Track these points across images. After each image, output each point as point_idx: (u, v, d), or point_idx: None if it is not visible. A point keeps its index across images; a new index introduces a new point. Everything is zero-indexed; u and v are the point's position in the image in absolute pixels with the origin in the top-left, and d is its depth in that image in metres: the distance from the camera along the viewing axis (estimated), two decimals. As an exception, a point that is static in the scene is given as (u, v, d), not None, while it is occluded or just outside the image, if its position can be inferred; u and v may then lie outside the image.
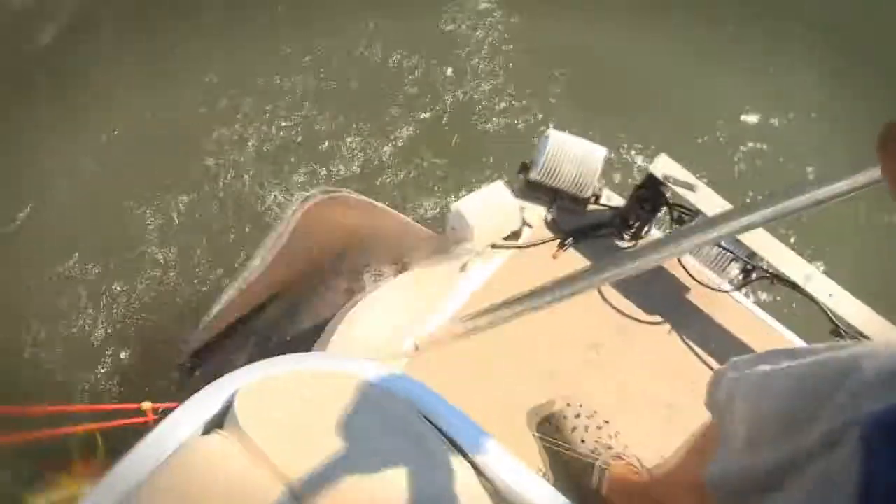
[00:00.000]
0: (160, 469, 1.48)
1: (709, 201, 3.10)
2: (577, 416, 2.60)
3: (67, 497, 2.68)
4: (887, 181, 1.22)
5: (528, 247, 3.28)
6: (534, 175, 3.30)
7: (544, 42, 5.71)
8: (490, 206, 3.15)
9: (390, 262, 3.22)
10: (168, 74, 5.39)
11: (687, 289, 3.19)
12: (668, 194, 3.16)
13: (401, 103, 5.42)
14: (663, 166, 3.09)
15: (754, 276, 3.08)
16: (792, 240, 4.82)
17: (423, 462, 1.60)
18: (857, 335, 2.86)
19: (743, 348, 3.07)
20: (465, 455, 1.73)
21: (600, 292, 3.12)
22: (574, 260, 3.30)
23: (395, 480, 1.54)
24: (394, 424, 1.69)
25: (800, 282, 2.96)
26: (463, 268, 3.10)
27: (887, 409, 1.15)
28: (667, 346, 3.05)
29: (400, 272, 3.18)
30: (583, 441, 2.52)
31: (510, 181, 3.30)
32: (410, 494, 1.51)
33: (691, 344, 3.04)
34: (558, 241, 3.32)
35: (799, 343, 3.11)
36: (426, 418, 1.76)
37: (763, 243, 3.03)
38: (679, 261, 3.17)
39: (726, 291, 3.18)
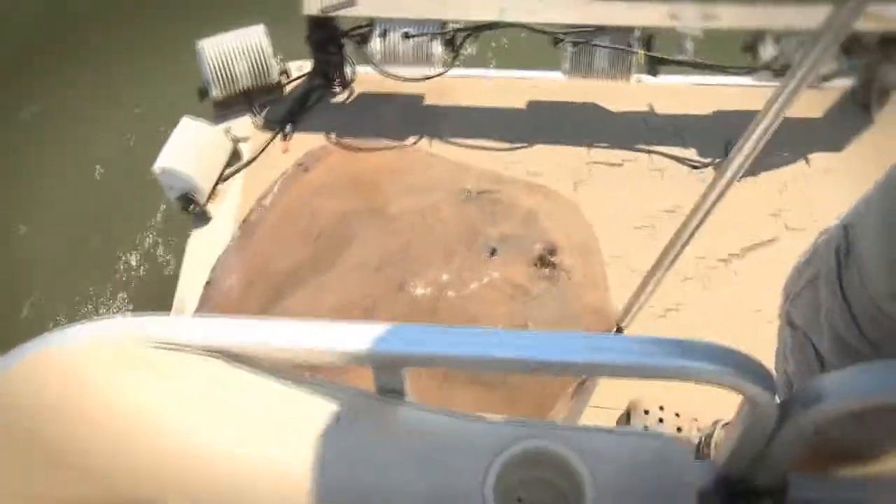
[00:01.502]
0: None
1: (374, 3, 3.03)
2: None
3: None
4: None
5: (254, 160, 3.14)
6: (215, 93, 3.14)
7: None
8: (194, 147, 2.97)
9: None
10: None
11: None
12: (337, 25, 3.07)
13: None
14: (312, 2, 2.99)
15: (459, 40, 3.04)
16: None
17: None
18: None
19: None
20: None
21: None
22: (304, 141, 3.19)
23: None
24: None
25: (495, 17, 2.94)
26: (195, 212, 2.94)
27: None
28: None
29: None
30: None
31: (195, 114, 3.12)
32: None
33: None
34: (279, 134, 3.18)
35: None
36: None
37: (436, 6, 3.00)
38: None
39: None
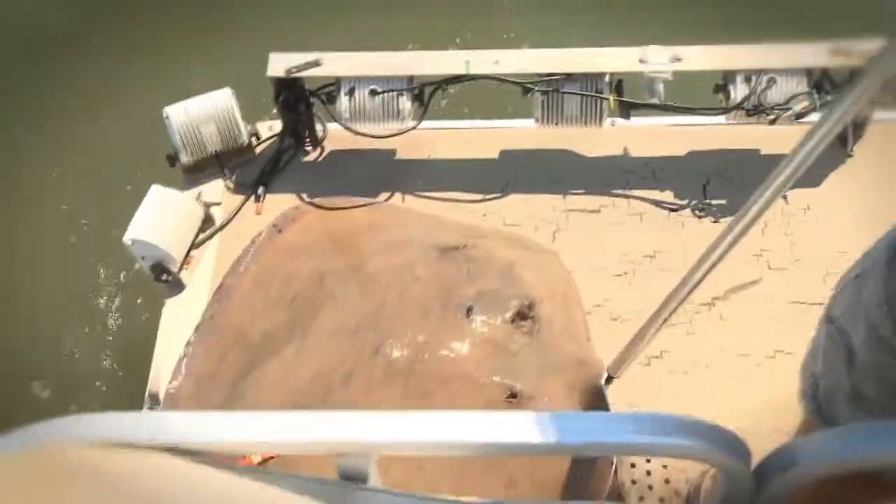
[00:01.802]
0: None
1: (342, 62, 3.03)
2: None
3: None
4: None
5: (227, 224, 3.11)
6: (185, 158, 3.12)
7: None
8: (165, 215, 2.95)
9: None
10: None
11: None
12: (304, 85, 3.07)
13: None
14: (277, 64, 2.98)
15: (427, 94, 3.04)
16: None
17: None
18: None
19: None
20: None
21: None
22: (277, 202, 3.17)
23: None
24: None
25: (461, 70, 2.95)
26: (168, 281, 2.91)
27: None
28: None
29: None
30: None
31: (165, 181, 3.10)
32: None
33: None
34: (252, 196, 3.16)
35: None
36: None
37: (401, 63, 3.00)
38: None
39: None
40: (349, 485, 1.12)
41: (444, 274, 2.66)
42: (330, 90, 3.05)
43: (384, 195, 3.16)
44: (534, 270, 2.72)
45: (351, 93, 2.98)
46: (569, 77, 2.93)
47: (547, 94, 2.94)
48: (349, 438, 1.07)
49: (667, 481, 2.37)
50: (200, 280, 3.02)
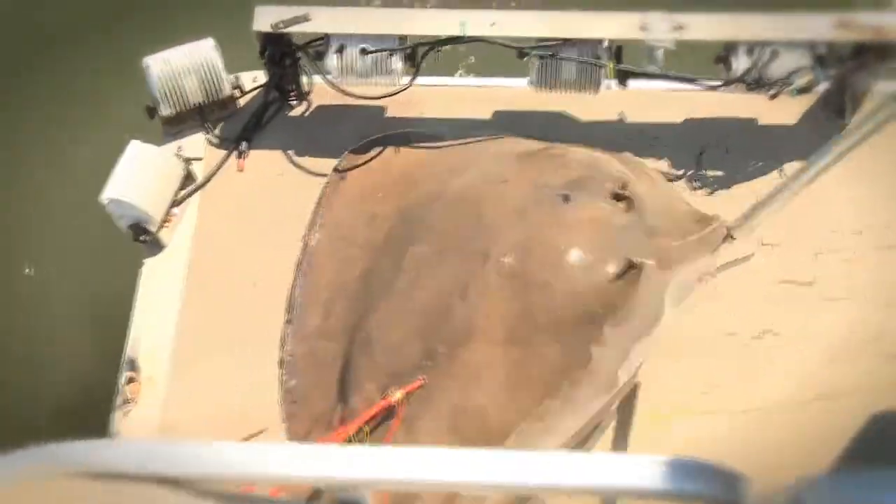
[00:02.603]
0: None
1: (332, 19, 2.94)
2: None
3: None
4: None
5: (208, 180, 3.06)
6: (165, 110, 3.04)
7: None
8: (144, 173, 2.89)
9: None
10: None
11: None
12: (291, 40, 2.98)
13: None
14: (264, 18, 2.89)
15: (419, 55, 2.97)
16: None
17: None
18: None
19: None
20: None
21: None
22: (261, 158, 3.11)
23: None
24: None
25: (456, 32, 2.87)
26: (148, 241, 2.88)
27: None
28: None
29: None
30: None
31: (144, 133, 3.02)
32: None
33: None
34: (234, 152, 3.10)
35: None
36: None
37: (394, 22, 2.92)
38: None
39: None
40: None
41: (530, 174, 2.70)
42: (318, 46, 2.96)
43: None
44: (616, 163, 2.77)
45: (341, 50, 2.91)
46: (566, 42, 2.86)
47: (544, 58, 2.88)
48: (343, 478, 1.08)
49: None
50: (181, 239, 2.99)
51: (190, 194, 3.03)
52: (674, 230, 2.61)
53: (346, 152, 3.07)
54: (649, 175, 2.87)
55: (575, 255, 2.47)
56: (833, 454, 2.46)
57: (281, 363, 2.72)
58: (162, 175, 2.94)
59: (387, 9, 2.93)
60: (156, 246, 2.95)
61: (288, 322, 2.78)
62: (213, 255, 2.94)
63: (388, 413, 2.43)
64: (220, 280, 2.91)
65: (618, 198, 2.58)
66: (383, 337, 2.55)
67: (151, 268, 2.94)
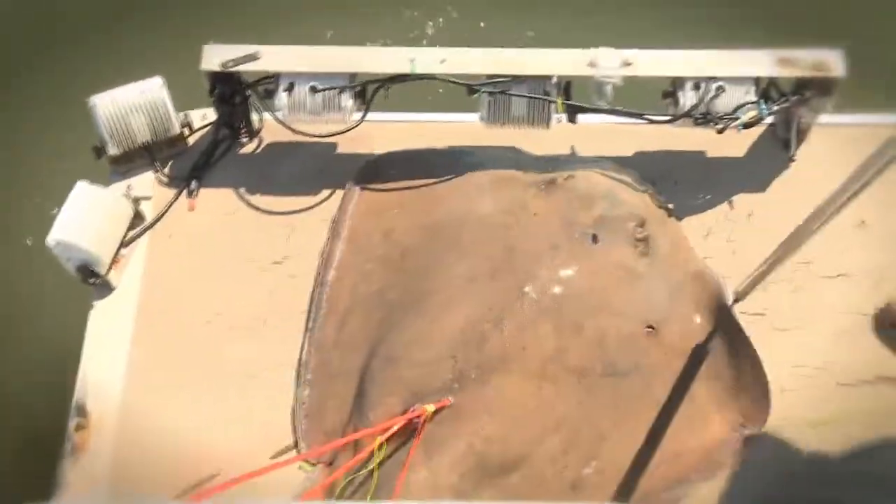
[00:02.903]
0: None
1: (282, 57, 2.94)
2: None
3: None
4: None
5: (158, 220, 3.03)
6: (112, 150, 3.02)
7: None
8: (91, 214, 2.85)
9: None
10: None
11: None
12: (241, 78, 2.97)
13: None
14: (212, 57, 2.88)
15: (370, 92, 2.98)
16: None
17: None
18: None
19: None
20: None
21: None
22: (212, 196, 3.10)
23: None
24: None
25: (406, 69, 2.89)
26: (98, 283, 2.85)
27: None
28: None
29: None
30: None
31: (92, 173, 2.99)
32: None
33: None
34: (184, 191, 3.09)
35: None
36: None
37: (344, 60, 2.93)
38: None
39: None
40: None
41: (558, 207, 2.79)
42: (268, 84, 2.96)
43: (326, 191, 3.10)
44: (628, 192, 2.88)
45: (290, 88, 2.91)
46: (516, 79, 2.89)
47: (494, 95, 2.91)
48: None
49: None
50: (130, 280, 2.96)
51: (139, 234, 3.00)
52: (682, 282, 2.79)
53: (365, 163, 3.13)
54: (653, 204, 2.98)
55: (604, 306, 2.63)
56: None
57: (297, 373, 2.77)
58: (110, 216, 2.91)
59: (336, 47, 2.93)
60: (105, 287, 2.91)
61: (309, 331, 2.81)
62: (164, 296, 2.92)
63: (407, 431, 2.47)
64: (170, 320, 2.89)
65: (638, 238, 2.75)
66: (410, 354, 2.59)
67: (100, 310, 2.90)
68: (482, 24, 4.92)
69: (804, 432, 2.69)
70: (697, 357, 2.67)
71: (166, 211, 3.05)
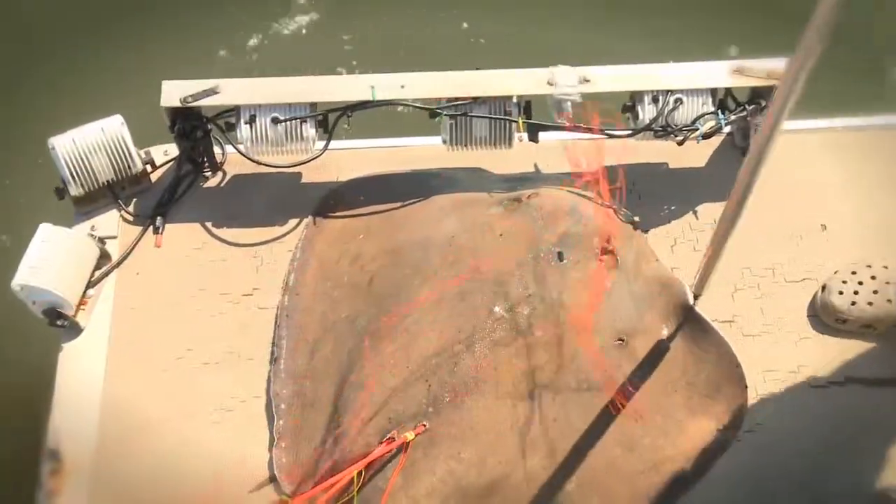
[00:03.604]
0: None
1: (242, 90, 2.97)
2: None
3: None
4: None
5: (124, 258, 3.04)
6: (74, 190, 3.02)
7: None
8: (55, 256, 2.85)
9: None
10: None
11: None
12: (202, 112, 2.99)
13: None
14: (171, 93, 2.90)
15: (332, 121, 3.01)
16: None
17: None
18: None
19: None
20: None
21: None
22: (178, 232, 3.11)
23: None
24: None
25: (367, 96, 2.93)
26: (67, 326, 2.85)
27: None
28: None
29: None
30: None
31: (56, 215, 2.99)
32: None
33: None
34: (150, 228, 3.09)
35: None
36: None
37: (304, 90, 2.96)
38: None
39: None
40: None
41: (523, 225, 2.79)
42: (229, 117, 2.99)
43: (293, 221, 3.12)
44: (592, 207, 2.89)
45: (252, 121, 2.93)
46: (476, 100, 2.94)
47: (455, 117, 2.95)
48: None
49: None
50: (99, 320, 2.95)
51: (106, 274, 3.00)
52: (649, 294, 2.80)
53: (328, 191, 3.16)
54: (618, 219, 2.99)
55: (574, 323, 2.63)
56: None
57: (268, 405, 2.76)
58: (75, 256, 2.91)
59: (296, 77, 2.96)
60: (73, 329, 2.91)
61: (274, 361, 2.81)
62: (134, 334, 2.92)
63: (385, 457, 2.48)
64: (142, 359, 2.89)
65: (603, 251, 2.75)
66: (383, 380, 2.60)
67: (70, 352, 2.90)
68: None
69: (780, 436, 2.73)
70: (670, 365, 2.71)
71: (132, 249, 3.05)
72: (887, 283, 2.82)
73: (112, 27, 4.67)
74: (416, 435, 2.48)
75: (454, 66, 3.05)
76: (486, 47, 4.85)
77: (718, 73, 2.97)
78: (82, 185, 3.02)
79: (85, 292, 2.94)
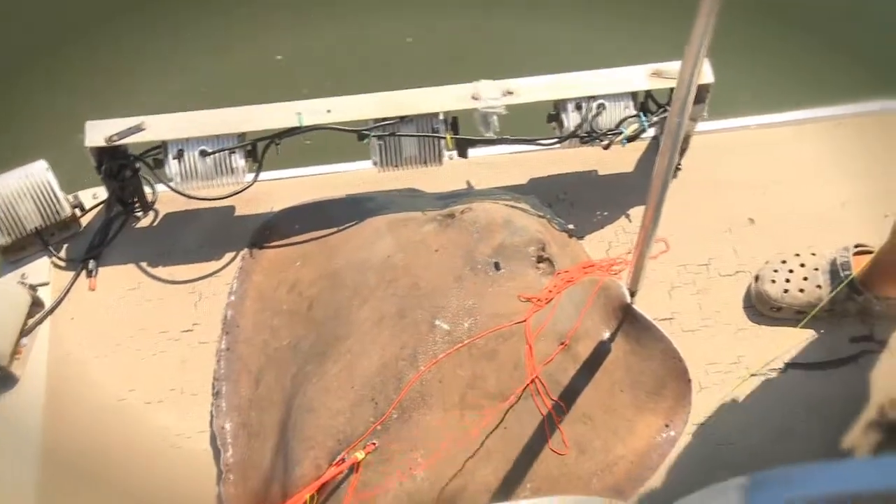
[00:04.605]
0: None
1: (168, 125, 2.97)
2: None
3: None
4: None
5: (58, 304, 3.01)
6: (1, 239, 3.02)
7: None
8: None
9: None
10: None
11: None
12: (128, 151, 2.99)
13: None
14: (96, 133, 2.89)
15: (261, 150, 3.03)
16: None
17: None
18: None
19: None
20: None
21: None
22: (112, 274, 3.09)
23: None
24: None
25: (294, 123, 2.96)
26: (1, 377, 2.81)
27: None
28: None
29: None
30: None
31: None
32: None
33: None
34: (83, 272, 3.07)
35: None
36: None
37: (230, 121, 2.98)
38: None
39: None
40: None
41: (459, 239, 2.85)
42: (157, 154, 2.99)
43: (229, 254, 3.12)
44: (527, 217, 2.96)
45: (180, 155, 2.94)
46: (403, 119, 2.98)
47: (383, 138, 2.99)
48: None
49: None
50: (35, 369, 2.91)
51: (39, 321, 2.97)
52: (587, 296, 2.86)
53: (262, 222, 3.18)
54: (553, 228, 3.10)
55: (515, 331, 2.68)
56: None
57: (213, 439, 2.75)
58: (6, 306, 2.89)
59: (222, 109, 2.97)
60: (8, 380, 2.86)
61: (216, 395, 2.79)
62: (72, 380, 2.89)
63: (338, 480, 2.47)
64: (82, 404, 2.86)
65: (540, 259, 2.83)
66: (329, 403, 2.59)
67: (4, 404, 2.84)
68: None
69: (726, 427, 2.79)
70: (614, 365, 2.76)
71: (66, 294, 3.03)
72: (816, 269, 2.91)
73: (34, 70, 4.63)
74: (366, 454, 2.48)
75: (400, 82, 3.12)
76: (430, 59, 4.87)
77: (637, 76, 3.06)
78: (9, 233, 2.99)
79: (18, 341, 2.90)
